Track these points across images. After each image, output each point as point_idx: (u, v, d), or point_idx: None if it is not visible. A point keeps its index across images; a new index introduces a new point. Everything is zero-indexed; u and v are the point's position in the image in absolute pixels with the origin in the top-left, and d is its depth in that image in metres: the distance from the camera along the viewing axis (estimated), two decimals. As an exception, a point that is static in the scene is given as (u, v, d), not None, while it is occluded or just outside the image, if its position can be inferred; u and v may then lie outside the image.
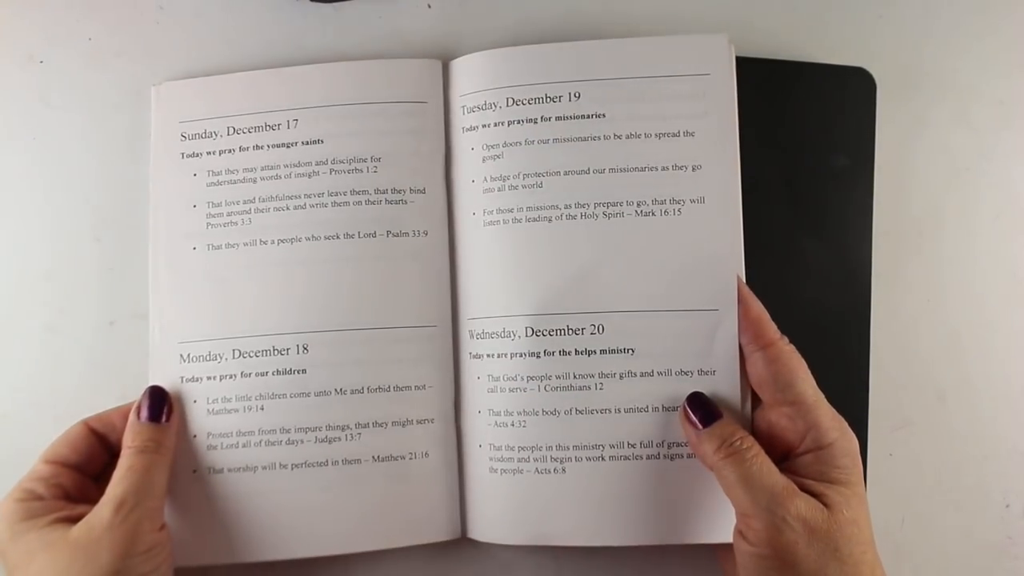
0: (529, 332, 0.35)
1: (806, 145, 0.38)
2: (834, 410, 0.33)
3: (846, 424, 0.33)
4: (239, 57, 0.40)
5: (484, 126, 0.37)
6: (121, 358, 0.39)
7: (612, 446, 0.35)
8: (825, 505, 0.31)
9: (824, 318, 0.38)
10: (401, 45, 0.40)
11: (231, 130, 0.38)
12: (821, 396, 0.33)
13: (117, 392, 0.39)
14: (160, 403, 0.36)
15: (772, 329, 0.34)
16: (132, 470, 0.33)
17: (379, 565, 0.38)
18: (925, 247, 0.40)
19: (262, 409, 0.36)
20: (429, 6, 0.41)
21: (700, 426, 0.33)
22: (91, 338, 0.39)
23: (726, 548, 0.34)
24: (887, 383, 0.39)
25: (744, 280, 0.35)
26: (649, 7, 0.40)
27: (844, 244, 0.38)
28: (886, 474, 0.38)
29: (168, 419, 0.35)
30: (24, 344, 0.39)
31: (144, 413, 0.35)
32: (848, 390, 0.38)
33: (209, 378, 0.36)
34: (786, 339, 0.34)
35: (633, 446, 0.35)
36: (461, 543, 0.37)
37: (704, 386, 0.35)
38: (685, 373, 0.35)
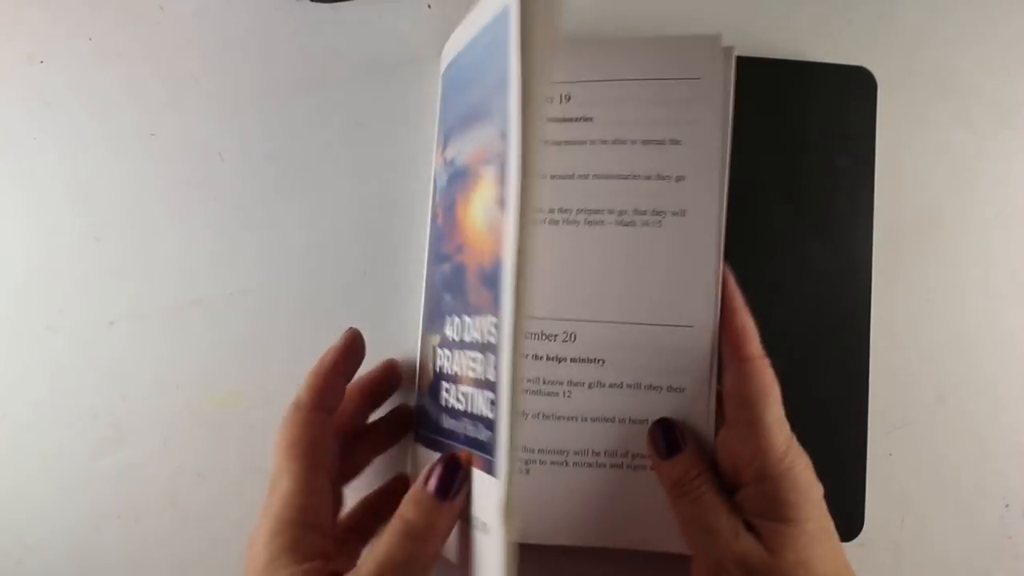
0: None
1: (807, 145, 0.38)
2: (795, 442, 0.31)
3: (804, 458, 0.31)
4: (239, 57, 0.40)
5: None
6: (121, 358, 0.39)
7: (576, 452, 0.34)
8: (767, 548, 0.29)
9: (824, 318, 0.38)
10: (401, 45, 0.40)
11: None
12: (784, 424, 0.31)
13: (117, 392, 0.39)
14: (452, 477, 0.29)
15: (754, 344, 0.32)
16: (404, 552, 0.27)
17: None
18: (925, 247, 0.40)
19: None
20: (429, 6, 0.41)
21: (661, 456, 0.33)
22: (91, 338, 0.39)
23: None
24: (887, 383, 0.39)
25: (736, 287, 0.34)
26: (648, 7, 0.40)
27: (845, 244, 0.38)
28: (886, 474, 0.38)
29: (456, 496, 0.29)
30: (24, 344, 0.39)
31: (433, 484, 0.29)
32: (848, 390, 0.38)
33: None
34: (766, 359, 0.32)
35: (597, 454, 0.34)
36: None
37: (673, 403, 0.34)
38: (654, 388, 0.34)
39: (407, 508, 0.28)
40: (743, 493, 0.31)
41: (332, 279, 0.39)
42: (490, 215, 0.30)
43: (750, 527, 0.30)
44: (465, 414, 0.31)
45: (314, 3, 0.41)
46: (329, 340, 0.35)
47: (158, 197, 0.40)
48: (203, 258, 0.40)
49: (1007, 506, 0.39)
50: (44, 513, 0.39)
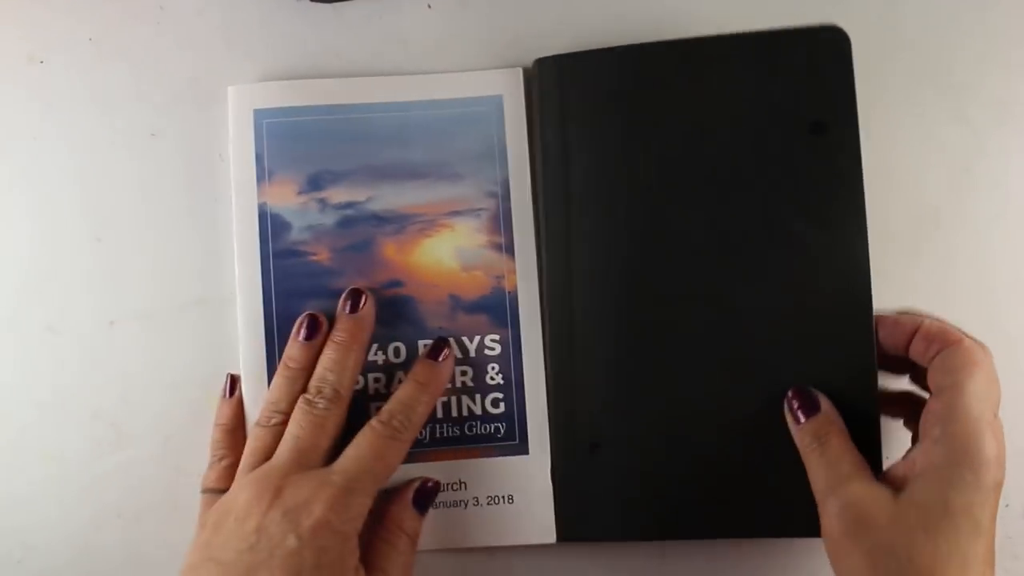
0: None
1: (784, 118, 0.36)
2: (995, 421, 0.32)
3: (993, 438, 0.31)
4: (239, 57, 0.40)
5: None
6: (121, 358, 0.39)
7: None
8: (900, 491, 0.31)
9: (825, 312, 0.36)
10: (401, 46, 0.40)
11: None
12: (987, 398, 0.32)
13: (117, 392, 0.39)
14: (441, 348, 0.38)
15: (958, 332, 0.34)
16: (415, 392, 0.36)
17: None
18: (924, 247, 0.40)
19: None
20: (429, 6, 0.41)
21: (801, 418, 0.35)
22: (91, 338, 0.39)
23: None
24: (887, 382, 0.39)
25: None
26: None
27: (836, 219, 0.36)
28: (886, 474, 0.38)
29: (444, 360, 0.37)
30: (24, 344, 0.39)
31: (430, 352, 0.37)
32: (851, 389, 0.37)
33: None
34: (977, 342, 0.33)
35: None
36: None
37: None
38: None
39: (417, 369, 0.37)
40: (910, 452, 0.32)
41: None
42: (477, 256, 0.39)
43: (901, 483, 0.31)
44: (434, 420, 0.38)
45: (314, 3, 0.41)
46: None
47: (158, 197, 0.40)
48: (203, 258, 0.40)
49: (1007, 506, 0.39)
50: (45, 513, 0.39)
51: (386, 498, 0.36)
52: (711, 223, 0.37)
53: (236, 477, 0.35)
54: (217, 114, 0.40)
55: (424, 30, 0.41)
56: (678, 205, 0.37)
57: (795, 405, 0.35)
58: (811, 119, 0.36)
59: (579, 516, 0.37)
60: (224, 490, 0.35)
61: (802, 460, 0.34)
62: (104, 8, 0.41)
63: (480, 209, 0.39)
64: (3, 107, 0.40)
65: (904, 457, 0.33)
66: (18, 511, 0.39)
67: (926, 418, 0.32)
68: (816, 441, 0.34)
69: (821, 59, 0.37)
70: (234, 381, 0.38)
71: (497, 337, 0.38)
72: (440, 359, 0.37)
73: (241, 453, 0.37)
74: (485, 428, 0.38)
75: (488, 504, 0.38)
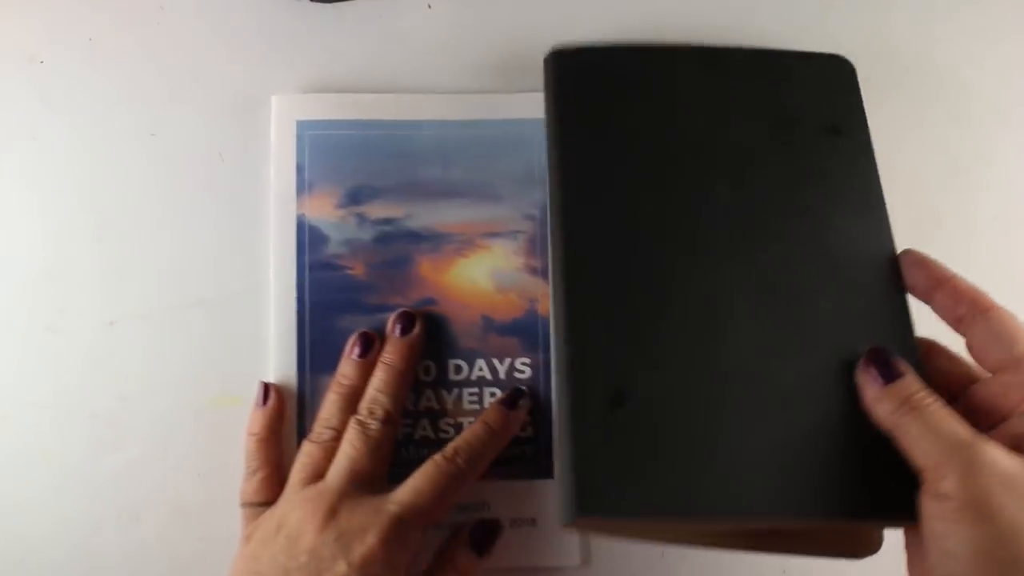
0: None
1: (797, 117, 0.36)
2: None
3: None
4: (240, 57, 0.40)
5: None
6: (121, 358, 0.39)
7: None
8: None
9: (858, 289, 0.35)
10: (401, 46, 0.40)
11: None
12: None
13: (117, 392, 0.39)
14: (517, 395, 0.38)
15: (990, 297, 0.32)
16: (483, 435, 0.36)
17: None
18: (924, 247, 0.40)
19: None
20: (429, 6, 0.41)
21: (879, 384, 0.30)
22: (91, 338, 0.39)
23: (912, 533, 0.31)
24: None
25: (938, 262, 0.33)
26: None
27: (856, 210, 0.36)
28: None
29: (518, 409, 0.37)
30: (24, 344, 0.39)
31: (504, 399, 0.37)
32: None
33: None
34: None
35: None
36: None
37: None
38: None
39: (488, 413, 0.37)
40: (1008, 424, 0.29)
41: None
42: (512, 278, 0.39)
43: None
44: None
45: (314, 3, 0.41)
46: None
47: (158, 197, 0.40)
48: (203, 258, 0.40)
49: None
50: (44, 513, 0.39)
51: (445, 533, 0.36)
52: (733, 203, 0.35)
53: (287, 492, 0.35)
54: (217, 113, 0.40)
55: (424, 30, 0.41)
56: (699, 179, 0.35)
57: (873, 370, 0.31)
58: (826, 124, 0.36)
59: (602, 482, 0.30)
60: (263, 503, 0.35)
61: (886, 431, 0.30)
62: (104, 8, 0.41)
63: (518, 231, 0.39)
64: (3, 107, 0.40)
65: (992, 429, 0.29)
66: (18, 511, 0.39)
67: (1007, 390, 0.30)
68: (906, 405, 0.29)
69: (830, 78, 0.37)
70: (267, 389, 0.38)
71: (528, 360, 0.38)
72: (514, 407, 0.37)
73: (274, 464, 0.37)
74: (511, 450, 0.37)
75: (511, 526, 0.37)
